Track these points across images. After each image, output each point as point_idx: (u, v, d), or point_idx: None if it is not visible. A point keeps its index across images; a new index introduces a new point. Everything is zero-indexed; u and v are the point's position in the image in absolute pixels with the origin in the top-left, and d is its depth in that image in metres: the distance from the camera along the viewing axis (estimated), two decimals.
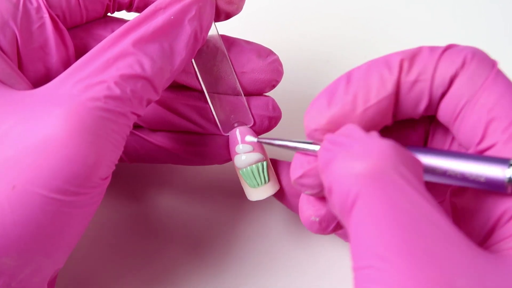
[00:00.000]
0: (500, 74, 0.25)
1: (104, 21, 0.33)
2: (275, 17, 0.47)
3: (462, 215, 0.26)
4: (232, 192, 0.38)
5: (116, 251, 0.37)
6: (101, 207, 0.36)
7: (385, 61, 0.26)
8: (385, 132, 0.27)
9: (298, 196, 0.32)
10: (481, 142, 0.24)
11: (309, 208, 0.30)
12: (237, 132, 0.34)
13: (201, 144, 0.35)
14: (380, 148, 0.23)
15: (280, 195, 0.34)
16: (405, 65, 0.25)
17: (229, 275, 0.36)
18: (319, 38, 0.46)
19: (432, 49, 0.26)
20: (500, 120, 0.24)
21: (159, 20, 0.29)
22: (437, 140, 0.28)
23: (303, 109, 0.28)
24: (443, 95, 0.25)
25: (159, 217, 0.38)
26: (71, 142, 0.25)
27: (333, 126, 0.26)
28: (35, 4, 0.29)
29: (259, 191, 0.33)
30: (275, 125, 0.35)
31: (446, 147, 0.28)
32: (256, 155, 0.33)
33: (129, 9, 0.33)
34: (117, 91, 0.27)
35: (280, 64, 0.34)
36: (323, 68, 0.44)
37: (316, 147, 0.27)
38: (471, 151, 0.25)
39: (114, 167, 0.28)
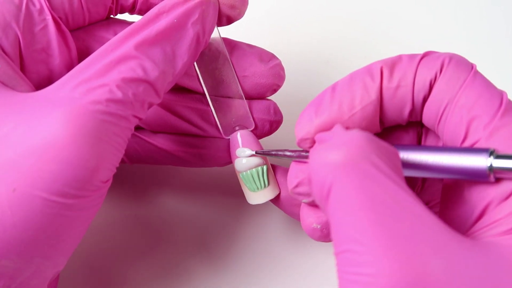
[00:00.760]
0: (478, 75, 0.26)
1: (107, 23, 0.33)
2: (277, 20, 0.47)
3: (451, 204, 0.26)
4: (233, 194, 0.38)
5: (117, 251, 0.37)
6: (101, 208, 0.36)
7: (367, 69, 0.27)
8: (379, 137, 0.28)
9: (295, 204, 0.33)
10: (465, 140, 0.26)
11: (310, 215, 0.30)
12: (238, 135, 0.34)
13: (202, 146, 0.35)
14: (353, 139, 0.24)
15: (277, 201, 0.34)
16: (386, 72, 0.27)
17: (229, 276, 0.37)
18: (320, 41, 0.46)
19: (411, 56, 0.27)
20: (481, 118, 0.25)
21: (162, 23, 0.29)
22: (430, 143, 0.29)
23: None
24: (425, 99, 0.27)
25: (160, 218, 0.38)
26: (72, 145, 0.25)
27: None
28: (37, 6, 0.29)
29: (258, 195, 0.33)
30: (276, 129, 0.35)
31: None
32: (257, 159, 0.33)
33: (131, 11, 0.33)
34: (119, 94, 0.27)
35: (282, 69, 0.34)
36: (326, 72, 0.44)
37: (308, 154, 0.28)
38: None
39: (115, 170, 0.28)
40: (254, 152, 0.33)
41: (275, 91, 0.34)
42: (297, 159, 0.30)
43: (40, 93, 0.28)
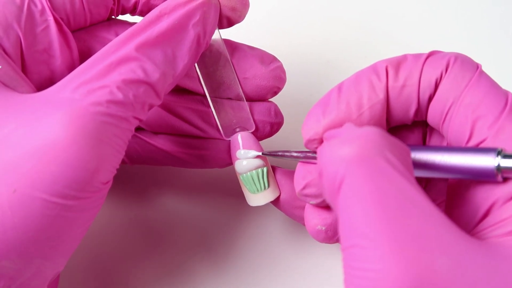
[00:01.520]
0: (483, 74, 0.26)
1: (108, 23, 0.33)
2: (278, 22, 0.47)
3: (456, 203, 0.26)
4: (233, 195, 0.38)
5: (117, 251, 0.37)
6: (102, 209, 0.36)
7: (372, 69, 0.27)
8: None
9: (296, 206, 0.33)
10: (470, 140, 0.26)
11: (315, 217, 0.30)
12: (239, 137, 0.34)
13: (203, 148, 0.35)
14: (366, 134, 0.24)
15: (277, 203, 0.34)
16: (391, 71, 0.27)
17: (229, 276, 0.37)
18: (321, 42, 0.46)
19: (416, 56, 0.27)
20: (486, 118, 0.25)
21: (163, 25, 0.29)
22: (434, 142, 0.29)
23: (306, 114, 0.28)
24: (430, 98, 0.27)
25: (160, 219, 0.38)
26: (73, 146, 0.26)
27: None
28: (39, 6, 0.29)
29: (258, 196, 0.33)
30: (277, 131, 0.35)
31: None
32: (257, 161, 0.33)
33: (133, 12, 0.33)
34: (119, 95, 0.27)
35: (283, 71, 0.34)
36: (327, 73, 0.44)
37: (316, 155, 0.28)
38: None
39: (115, 172, 0.28)
40: (259, 153, 0.33)
41: (275, 93, 0.34)
42: (304, 160, 0.29)
43: (41, 95, 0.28)
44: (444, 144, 0.29)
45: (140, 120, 0.28)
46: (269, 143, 0.37)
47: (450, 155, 0.25)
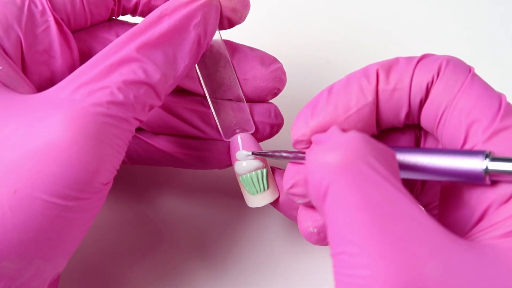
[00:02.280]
0: (476, 77, 0.26)
1: (109, 24, 0.33)
2: (278, 23, 0.47)
3: (450, 207, 0.26)
4: (233, 196, 0.38)
5: (117, 252, 0.37)
6: (102, 209, 0.36)
7: (363, 71, 0.27)
8: (376, 139, 0.28)
9: (295, 207, 0.33)
10: (464, 144, 0.26)
11: (307, 219, 0.30)
12: (238, 138, 0.34)
13: (202, 148, 0.35)
14: (350, 141, 0.24)
15: (277, 204, 0.34)
16: (382, 74, 0.27)
17: (228, 277, 0.37)
18: (321, 42, 0.46)
19: (408, 59, 0.27)
20: (480, 122, 0.25)
21: (164, 25, 0.29)
22: (429, 145, 0.29)
23: None
24: (421, 102, 0.27)
25: (160, 219, 0.38)
26: (73, 147, 0.26)
27: None
28: (40, 7, 0.29)
29: (258, 198, 0.33)
30: (277, 132, 0.35)
31: None
32: (256, 162, 0.33)
33: (133, 13, 0.33)
34: (120, 96, 0.27)
35: (283, 73, 0.34)
36: (327, 75, 0.44)
37: (304, 155, 0.28)
38: None
39: (115, 172, 0.28)
40: (250, 152, 0.33)
41: (275, 94, 0.34)
42: (294, 160, 0.30)
43: (42, 95, 0.28)
44: (439, 147, 0.29)
45: (141, 121, 0.28)
46: (269, 145, 0.37)
47: (438, 157, 0.25)
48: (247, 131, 0.34)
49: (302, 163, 0.29)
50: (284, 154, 0.30)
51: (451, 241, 0.23)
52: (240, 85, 0.34)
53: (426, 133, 0.29)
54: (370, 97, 0.27)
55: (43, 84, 0.31)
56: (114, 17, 0.33)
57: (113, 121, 0.27)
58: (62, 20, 0.30)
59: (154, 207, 0.39)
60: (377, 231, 0.22)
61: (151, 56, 0.28)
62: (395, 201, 0.23)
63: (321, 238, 0.31)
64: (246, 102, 0.34)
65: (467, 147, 0.26)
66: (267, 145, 0.36)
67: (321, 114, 0.27)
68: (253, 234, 0.38)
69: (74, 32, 0.32)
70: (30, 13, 0.29)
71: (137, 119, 0.28)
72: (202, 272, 0.37)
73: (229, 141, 0.34)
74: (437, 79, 0.26)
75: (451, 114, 0.26)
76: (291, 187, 0.30)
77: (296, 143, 0.28)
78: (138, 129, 0.35)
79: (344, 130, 0.26)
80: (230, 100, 0.34)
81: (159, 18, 0.29)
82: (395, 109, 0.27)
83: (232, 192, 0.38)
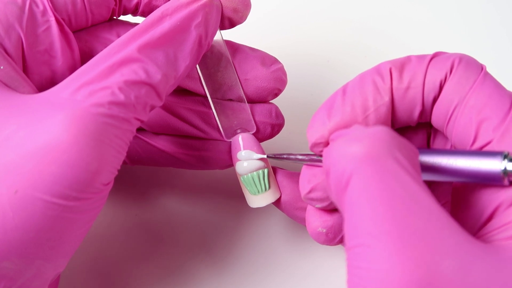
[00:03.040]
0: (488, 76, 0.26)
1: (109, 24, 0.33)
2: (278, 22, 0.47)
3: (460, 206, 0.26)
4: (234, 196, 0.38)
5: (117, 252, 0.37)
6: (102, 209, 0.36)
7: (376, 70, 0.27)
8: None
9: (297, 207, 0.33)
10: (474, 142, 0.26)
11: (316, 219, 0.30)
12: (240, 138, 0.34)
13: (203, 149, 0.35)
14: (376, 133, 0.24)
15: (279, 204, 0.34)
16: (395, 73, 0.27)
17: (230, 277, 0.37)
18: (322, 43, 0.46)
19: (420, 57, 0.27)
20: (491, 120, 0.25)
21: (165, 26, 0.29)
22: (438, 144, 0.29)
23: (307, 115, 0.28)
24: (434, 100, 0.27)
25: (160, 220, 0.38)
26: (74, 147, 0.26)
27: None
28: (41, 7, 0.29)
29: (259, 198, 0.33)
30: (278, 132, 0.35)
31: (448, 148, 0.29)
32: (258, 162, 0.33)
33: (134, 13, 0.33)
34: (121, 97, 0.27)
35: (284, 73, 0.34)
36: (327, 75, 0.44)
37: (321, 158, 0.28)
38: None
39: (116, 173, 0.28)
40: (263, 156, 0.33)
41: (276, 95, 0.34)
42: (309, 163, 0.29)
43: (43, 95, 0.28)
44: (448, 145, 0.29)
45: (142, 121, 0.28)
46: (270, 145, 0.37)
47: (456, 158, 0.25)
48: (248, 131, 0.34)
49: (318, 166, 0.29)
50: (300, 157, 0.30)
51: (468, 241, 0.23)
52: (241, 85, 0.34)
53: (436, 131, 0.29)
54: (386, 96, 0.27)
55: (44, 84, 0.31)
56: (115, 17, 0.33)
57: (114, 121, 0.27)
58: (63, 20, 0.30)
59: (155, 208, 0.39)
60: (396, 225, 0.22)
61: (152, 56, 0.28)
62: (417, 197, 0.23)
63: (329, 239, 0.31)
64: (247, 102, 0.34)
65: (476, 145, 0.26)
66: (268, 145, 0.36)
67: (338, 115, 0.27)
68: (254, 234, 0.38)
69: (75, 32, 0.32)
70: (31, 13, 0.29)
71: (138, 119, 0.28)
72: (203, 272, 0.37)
73: (230, 141, 0.34)
74: (449, 77, 0.26)
75: (462, 111, 0.26)
76: (310, 191, 0.29)
77: (314, 145, 0.28)
78: (139, 129, 0.35)
79: None
80: (231, 100, 0.34)
81: (160, 18, 0.29)
82: (409, 107, 0.27)
83: (233, 193, 0.38)
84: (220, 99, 0.34)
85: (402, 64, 0.27)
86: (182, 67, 0.29)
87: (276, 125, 0.35)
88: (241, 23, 0.33)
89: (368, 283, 0.22)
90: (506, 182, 0.24)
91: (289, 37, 0.46)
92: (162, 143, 0.35)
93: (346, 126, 0.27)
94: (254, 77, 0.33)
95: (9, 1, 0.29)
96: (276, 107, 0.35)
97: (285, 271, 0.37)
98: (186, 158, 0.35)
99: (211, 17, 0.30)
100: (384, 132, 0.24)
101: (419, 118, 0.27)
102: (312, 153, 0.29)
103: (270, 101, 0.35)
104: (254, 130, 0.34)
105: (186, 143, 0.35)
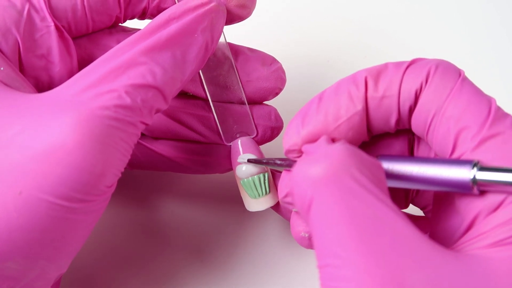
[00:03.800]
0: (466, 82, 0.26)
1: (109, 31, 0.33)
2: (278, 22, 0.47)
3: (441, 214, 0.26)
4: (234, 200, 0.38)
5: (117, 254, 0.37)
6: (103, 212, 0.36)
7: (352, 78, 0.27)
8: (368, 144, 0.29)
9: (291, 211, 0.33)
10: (453, 152, 0.25)
11: (299, 224, 0.30)
12: (239, 142, 0.34)
13: (203, 153, 0.35)
14: (334, 153, 0.24)
15: (277, 208, 0.34)
16: (371, 82, 0.26)
17: (229, 281, 0.37)
18: (322, 43, 0.46)
19: (397, 65, 0.27)
20: (469, 129, 0.25)
21: (172, 29, 0.29)
22: (423, 149, 0.29)
23: None
24: (411, 109, 0.26)
25: (160, 223, 0.38)
26: (79, 150, 0.26)
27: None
28: (40, 12, 0.29)
29: (259, 202, 0.33)
30: (277, 135, 0.35)
31: (432, 154, 0.28)
32: (258, 166, 0.33)
33: (141, 17, 0.32)
34: (127, 100, 0.27)
35: (283, 72, 0.34)
36: (327, 76, 0.44)
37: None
38: None
39: (120, 175, 0.28)
40: (246, 160, 0.33)
41: (277, 94, 0.34)
42: (286, 168, 0.30)
43: (48, 95, 0.27)
44: (432, 152, 0.29)
45: (146, 125, 0.28)
46: (269, 148, 0.37)
47: (427, 167, 0.25)
48: (249, 135, 0.34)
49: None
50: (278, 162, 0.30)
51: (437, 253, 0.22)
52: (243, 87, 0.34)
53: (419, 138, 0.29)
54: (359, 105, 0.26)
55: (41, 88, 0.31)
56: (120, 24, 0.33)
57: (120, 124, 0.27)
58: (63, 26, 0.30)
59: (155, 211, 0.39)
60: (361, 243, 0.22)
61: (159, 59, 0.28)
62: (378, 214, 0.23)
63: (312, 243, 0.31)
64: (248, 103, 0.34)
65: (456, 154, 0.25)
66: (267, 148, 0.36)
67: (311, 123, 0.27)
68: (254, 238, 0.38)
69: (75, 38, 0.31)
70: (30, 17, 0.29)
71: (143, 123, 0.28)
72: (203, 275, 0.37)
73: (230, 145, 0.34)
74: (425, 86, 0.26)
75: (440, 121, 0.25)
76: (285, 196, 0.30)
77: (288, 152, 0.28)
78: None
79: (333, 140, 0.26)
80: (232, 103, 0.34)
81: (167, 21, 0.29)
82: (385, 116, 0.27)
83: (232, 197, 0.38)
84: (221, 103, 0.34)
85: (378, 72, 0.27)
86: (189, 71, 0.29)
87: (275, 128, 0.35)
88: (247, 17, 0.33)
89: None
90: (475, 191, 0.24)
91: (289, 37, 0.46)
92: (161, 148, 0.35)
93: (319, 134, 0.27)
94: (256, 78, 0.34)
95: (8, 4, 0.29)
96: (275, 110, 0.35)
97: (284, 275, 0.37)
98: (186, 162, 0.35)
99: (218, 21, 0.30)
100: (342, 151, 0.24)
101: (396, 125, 0.27)
102: (287, 158, 0.29)
103: (270, 104, 0.35)
104: (255, 134, 0.34)
105: (186, 147, 0.35)
